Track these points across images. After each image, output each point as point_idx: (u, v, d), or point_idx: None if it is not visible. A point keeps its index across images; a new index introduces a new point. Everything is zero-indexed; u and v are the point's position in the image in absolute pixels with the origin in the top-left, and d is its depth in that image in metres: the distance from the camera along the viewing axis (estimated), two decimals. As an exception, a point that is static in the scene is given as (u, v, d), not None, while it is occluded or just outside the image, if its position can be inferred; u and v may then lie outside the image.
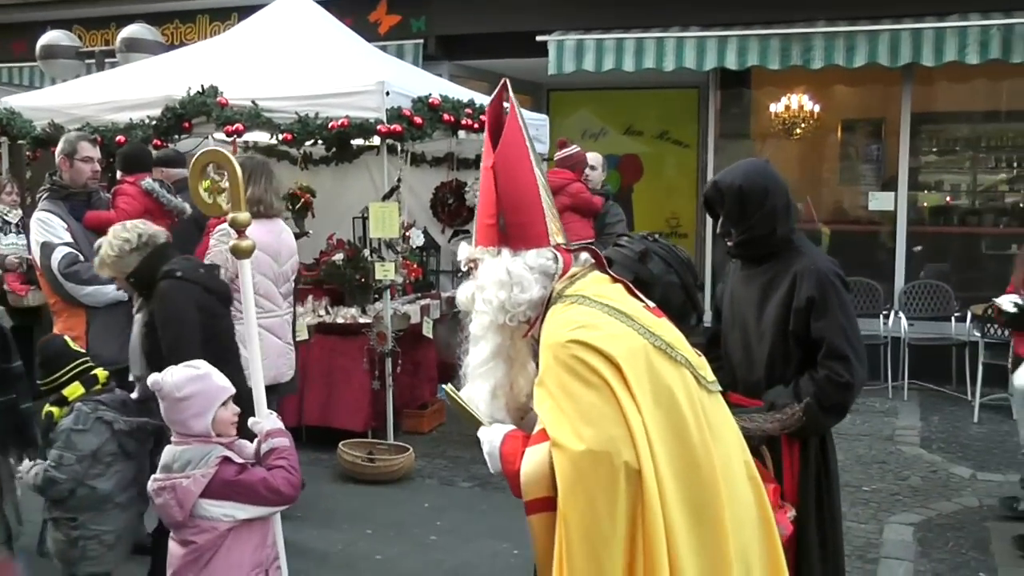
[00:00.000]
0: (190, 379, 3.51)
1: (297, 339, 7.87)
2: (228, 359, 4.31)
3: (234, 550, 3.48)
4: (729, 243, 3.97)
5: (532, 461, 2.67)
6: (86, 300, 5.78)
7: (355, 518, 6.59)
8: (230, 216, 3.79)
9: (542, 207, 2.91)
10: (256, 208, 5.65)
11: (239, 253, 3.80)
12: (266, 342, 5.80)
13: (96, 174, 6.07)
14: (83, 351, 4.56)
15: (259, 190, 5.94)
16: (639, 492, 2.53)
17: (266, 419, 3.73)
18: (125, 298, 5.67)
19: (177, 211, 6.21)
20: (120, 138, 8.16)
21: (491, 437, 2.87)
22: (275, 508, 3.60)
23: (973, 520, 6.58)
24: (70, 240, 5.81)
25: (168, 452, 3.52)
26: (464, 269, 3.03)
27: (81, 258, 5.74)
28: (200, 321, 4.47)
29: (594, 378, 2.59)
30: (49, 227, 5.80)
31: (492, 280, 2.86)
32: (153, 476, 3.54)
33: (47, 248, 5.75)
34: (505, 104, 2.99)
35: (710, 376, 2.81)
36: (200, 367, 3.60)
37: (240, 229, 3.77)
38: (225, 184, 3.83)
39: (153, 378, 3.54)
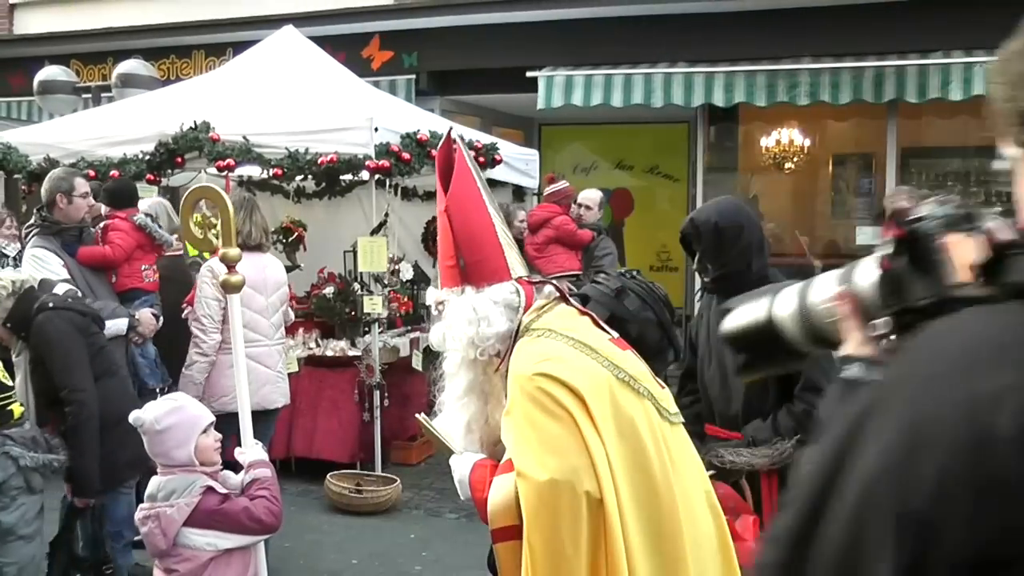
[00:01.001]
0: (168, 411, 3.59)
1: (287, 371, 7.98)
2: (112, 374, 4.48)
3: (216, 578, 3.55)
4: (706, 279, 4.06)
5: (499, 490, 2.75)
6: None
7: (342, 549, 6.64)
8: (221, 251, 3.85)
9: (499, 243, 3.01)
10: (240, 242, 5.68)
11: (229, 288, 3.86)
12: (252, 371, 5.75)
13: (92, 209, 6.16)
14: (10, 384, 4.61)
15: (240, 223, 5.99)
16: (601, 520, 2.60)
17: (250, 449, 3.81)
18: (124, 333, 5.81)
19: (166, 244, 6.37)
20: (114, 172, 8.28)
21: (461, 465, 2.96)
22: (257, 537, 3.67)
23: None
24: (67, 276, 5.80)
25: (153, 483, 3.60)
26: (435, 312, 3.13)
27: (79, 294, 5.74)
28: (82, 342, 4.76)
29: (558, 409, 2.67)
30: (45, 264, 5.81)
31: (459, 318, 2.95)
32: (140, 506, 3.61)
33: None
34: (460, 149, 3.09)
35: (672, 408, 2.89)
36: (177, 399, 3.69)
37: (231, 264, 3.84)
38: (216, 220, 3.92)
39: (134, 415, 3.61)
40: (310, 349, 8.39)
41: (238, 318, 3.95)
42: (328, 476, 7.52)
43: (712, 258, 3.94)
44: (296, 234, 9.60)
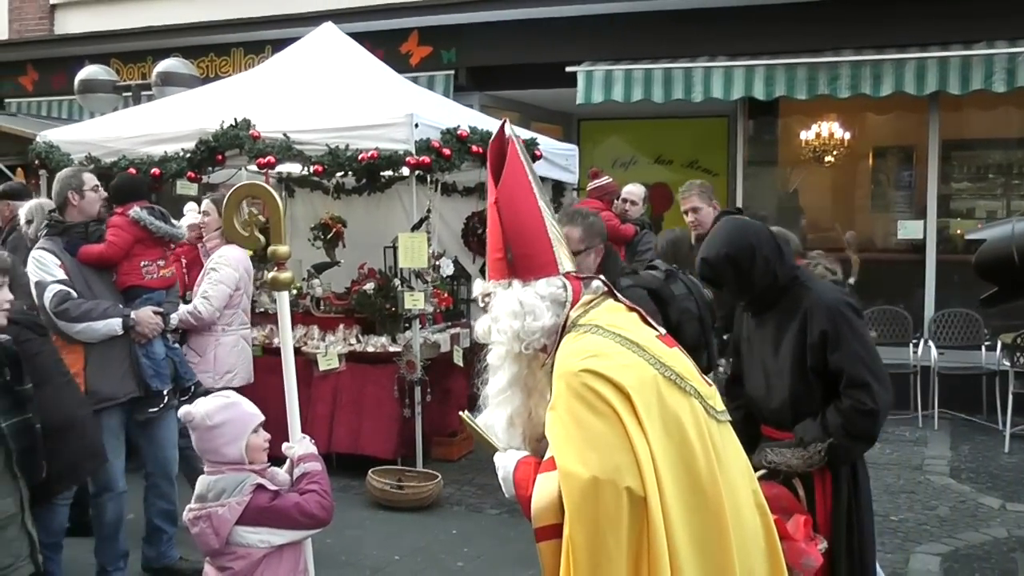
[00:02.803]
0: (220, 408, 3.60)
1: (329, 368, 8.04)
2: (45, 383, 4.34)
3: (267, 575, 3.56)
4: (740, 303, 4.09)
5: (542, 489, 2.74)
6: (79, 337, 5.70)
7: (384, 544, 6.67)
8: (270, 249, 3.84)
9: (548, 237, 2.99)
10: (176, 243, 6.41)
11: (279, 285, 3.84)
12: (244, 351, 7.21)
13: (104, 201, 6.05)
14: None
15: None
16: (644, 518, 2.59)
17: (299, 444, 3.81)
18: (119, 333, 5.71)
19: (168, 237, 6.17)
20: (155, 170, 8.35)
21: (505, 463, 2.96)
22: (310, 532, 3.68)
23: (1001, 551, 6.56)
24: (63, 277, 5.71)
25: (202, 482, 3.60)
26: (481, 304, 3.12)
27: (73, 294, 5.67)
28: None
29: (603, 406, 2.66)
30: (43, 265, 5.74)
31: (505, 311, 2.95)
32: (188, 506, 3.62)
33: (40, 287, 5.69)
34: (509, 138, 3.06)
35: (719, 406, 2.87)
36: (230, 396, 3.69)
37: (280, 262, 3.84)
38: (263, 217, 3.91)
39: (184, 410, 3.63)
40: (351, 345, 8.41)
41: (287, 315, 3.94)
42: (370, 472, 7.55)
43: (738, 289, 3.96)
44: (335, 230, 9.61)
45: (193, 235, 7.72)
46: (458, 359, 8.61)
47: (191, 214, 8.20)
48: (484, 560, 6.36)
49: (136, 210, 5.97)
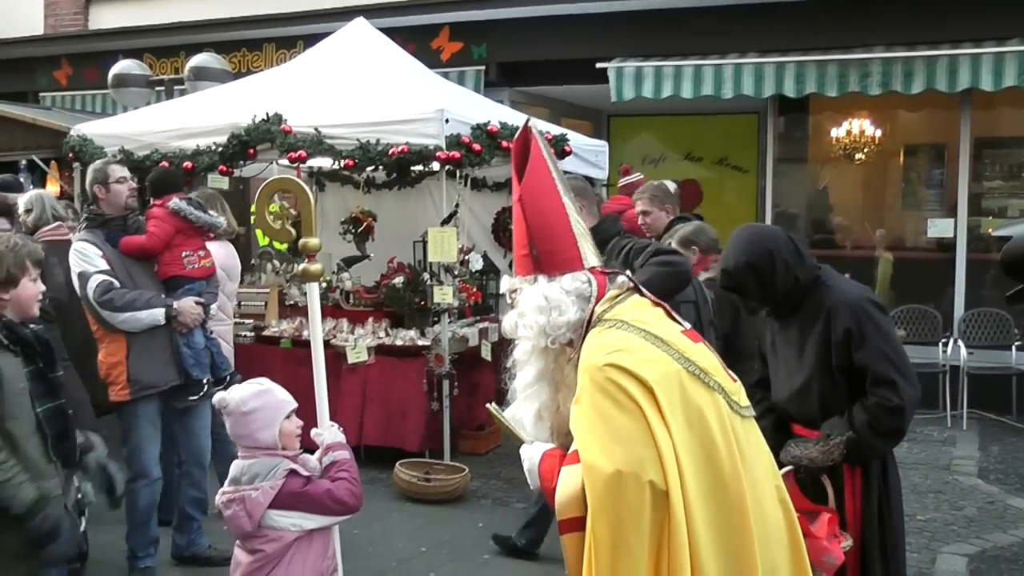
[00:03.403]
0: (254, 394, 3.67)
1: (358, 360, 8.10)
2: None
3: (297, 559, 3.62)
4: (766, 310, 4.11)
5: (566, 482, 2.78)
6: (122, 327, 5.79)
7: (410, 536, 6.73)
8: (301, 241, 3.90)
9: (572, 233, 3.02)
10: (215, 232, 6.43)
11: (309, 276, 3.91)
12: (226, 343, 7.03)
13: (133, 192, 6.05)
14: None
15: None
16: (665, 512, 2.62)
17: (327, 431, 3.87)
18: (162, 322, 5.79)
19: (208, 227, 6.24)
20: (187, 164, 8.43)
21: (531, 455, 3.00)
22: (340, 518, 3.74)
23: (1029, 552, 6.54)
24: (106, 268, 5.79)
25: (236, 466, 3.67)
26: (508, 301, 3.16)
27: (116, 285, 5.75)
28: None
29: (627, 401, 2.69)
30: (85, 256, 5.81)
31: (531, 306, 2.98)
32: (221, 489, 3.69)
33: (83, 278, 5.77)
34: (536, 139, 3.08)
35: (744, 401, 2.89)
36: (263, 383, 3.75)
37: (311, 254, 3.89)
38: (293, 210, 3.96)
39: (219, 396, 3.69)
40: (380, 338, 8.47)
41: (317, 307, 4.00)
42: (397, 464, 7.60)
43: (761, 296, 3.98)
44: (365, 224, 9.68)
45: None
46: (486, 353, 8.65)
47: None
48: (510, 554, 6.39)
49: (176, 201, 6.05)
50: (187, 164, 8.45)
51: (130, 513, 5.86)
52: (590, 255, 3.05)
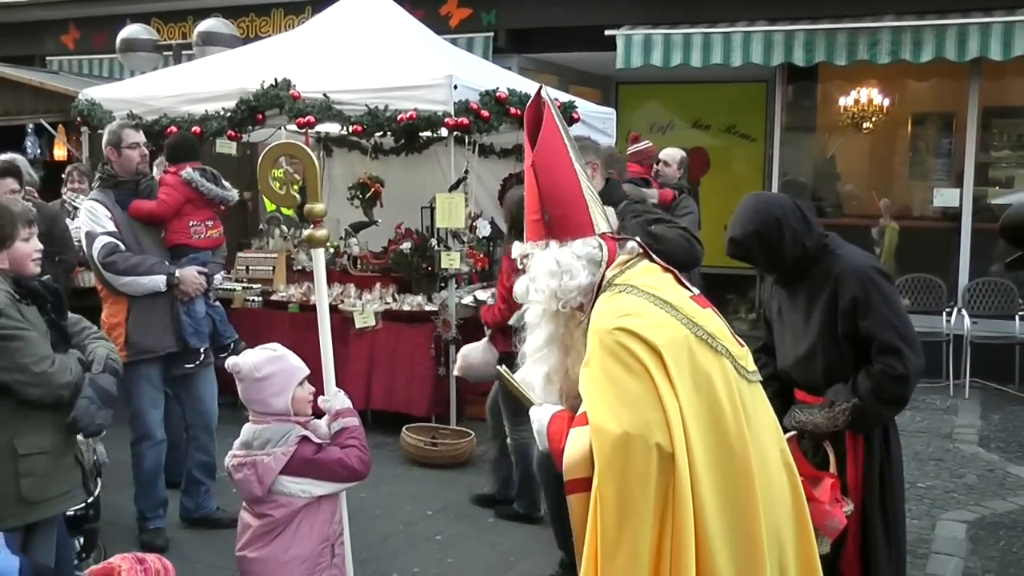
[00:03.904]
0: (268, 360, 3.71)
1: (365, 326, 8.15)
2: None
3: (304, 524, 3.68)
4: (773, 277, 4.13)
5: (574, 443, 2.84)
6: (124, 289, 5.86)
7: (416, 500, 6.80)
8: (307, 207, 3.93)
9: (584, 199, 3.07)
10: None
11: (315, 242, 3.94)
12: None
13: (144, 158, 6.07)
14: None
15: None
16: (671, 473, 2.68)
17: (335, 398, 3.92)
18: (163, 289, 5.83)
19: (219, 199, 6.21)
20: (196, 128, 8.46)
21: (540, 416, 3.06)
22: (348, 484, 3.81)
23: (1027, 519, 6.61)
24: (112, 229, 5.83)
25: (247, 430, 3.72)
26: (519, 266, 3.20)
27: (121, 247, 5.80)
28: None
29: (635, 364, 2.74)
30: (94, 216, 5.86)
31: (543, 271, 3.03)
32: (231, 452, 3.74)
33: (89, 237, 5.84)
34: (545, 102, 3.12)
35: (751, 366, 2.94)
36: (276, 349, 3.79)
37: (316, 219, 3.93)
38: (298, 175, 3.99)
39: (231, 361, 3.74)
40: (387, 304, 8.51)
41: (322, 272, 4.04)
42: (404, 429, 7.66)
43: (769, 264, 4.00)
44: (373, 190, 9.70)
45: None
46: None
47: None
48: (516, 517, 6.47)
49: (188, 171, 6.07)
50: (196, 129, 8.46)
51: (136, 475, 5.94)
52: (601, 221, 3.10)
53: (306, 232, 4.00)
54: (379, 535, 6.12)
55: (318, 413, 3.93)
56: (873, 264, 3.90)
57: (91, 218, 5.86)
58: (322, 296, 4.03)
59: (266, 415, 3.73)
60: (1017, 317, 10.28)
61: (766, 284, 4.36)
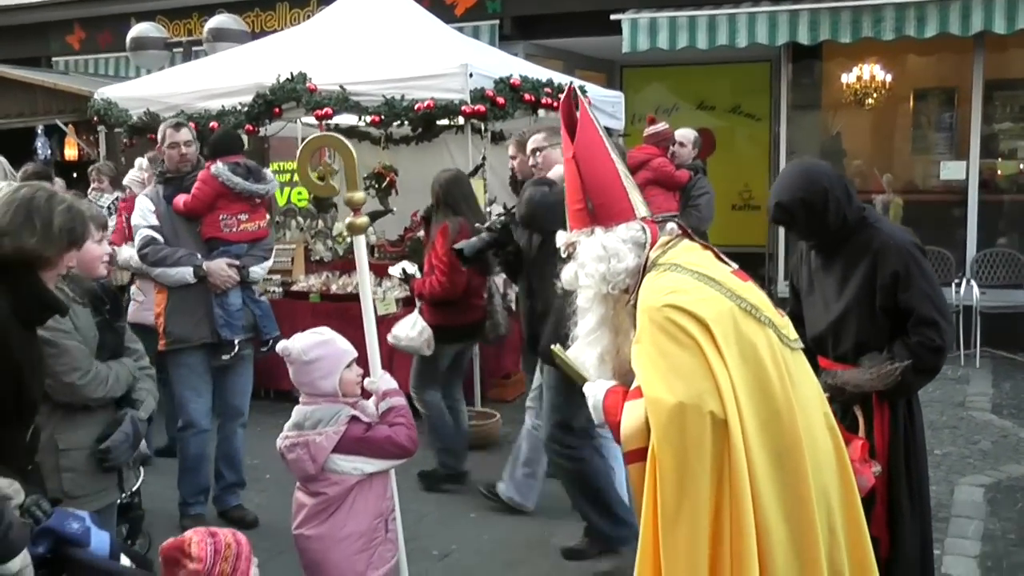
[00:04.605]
0: (316, 344, 3.85)
1: (387, 312, 8.28)
2: None
3: (359, 500, 3.84)
4: (810, 243, 4.18)
5: (630, 415, 3.00)
6: (158, 280, 6.08)
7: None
8: (346, 196, 4.05)
9: (623, 185, 3.24)
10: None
11: (355, 230, 4.07)
12: None
13: (184, 158, 6.16)
14: None
15: None
16: (725, 439, 2.83)
17: (381, 379, 4.06)
18: (190, 281, 5.95)
19: (247, 194, 6.19)
20: (213, 124, 8.58)
21: (595, 392, 3.22)
22: (398, 461, 3.96)
23: (1043, 482, 6.75)
24: (154, 223, 6.02)
25: (299, 411, 3.87)
26: (563, 254, 3.35)
27: (159, 240, 5.98)
28: None
29: (685, 338, 2.89)
30: (140, 211, 6.09)
31: (591, 256, 3.19)
32: (283, 433, 3.89)
33: (134, 230, 6.10)
34: (577, 108, 3.29)
35: (792, 335, 3.09)
36: (324, 333, 3.93)
37: (355, 208, 4.05)
38: (337, 166, 4.12)
39: (282, 344, 3.89)
40: (407, 291, 8.62)
41: (364, 257, 4.17)
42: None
43: (810, 231, 4.07)
44: (388, 179, 9.83)
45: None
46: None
47: (136, 170, 8.14)
48: (543, 496, 6.60)
49: (217, 166, 6.12)
50: (213, 124, 8.60)
51: (180, 461, 6.09)
52: (640, 205, 3.26)
53: (347, 220, 4.12)
54: (414, 515, 6.23)
55: (365, 395, 4.08)
56: (913, 240, 3.98)
57: (138, 212, 6.09)
58: (365, 281, 4.16)
59: (316, 396, 3.87)
60: (1025, 286, 10.41)
61: (795, 253, 4.44)
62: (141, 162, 7.70)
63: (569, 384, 5.18)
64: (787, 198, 3.97)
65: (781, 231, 11.78)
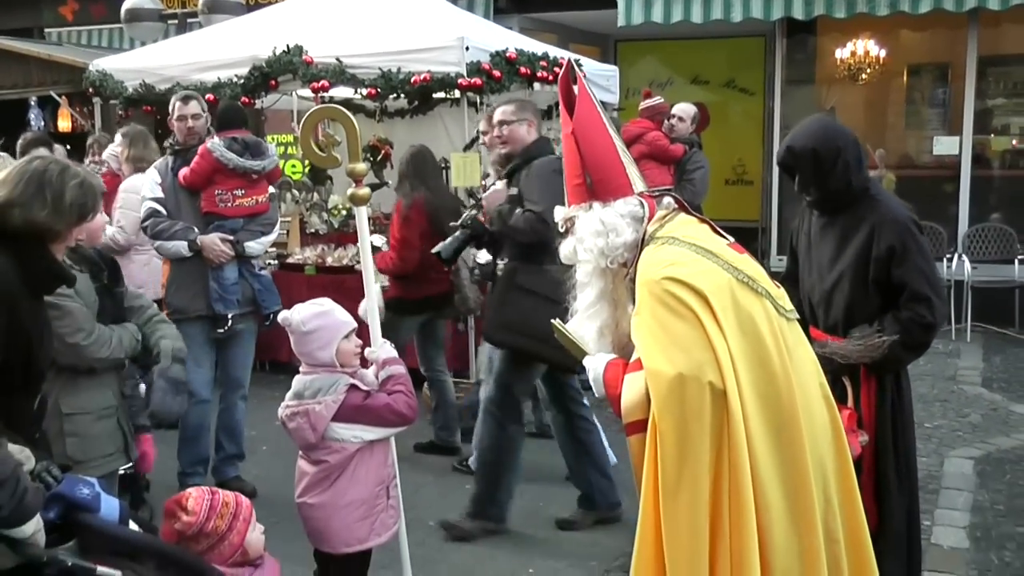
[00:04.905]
0: (314, 315, 3.90)
1: (385, 284, 8.31)
2: None
3: (360, 468, 3.89)
4: (808, 199, 4.18)
5: (631, 388, 3.05)
6: (159, 252, 6.24)
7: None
8: (348, 167, 4.08)
9: (621, 161, 3.29)
10: (139, 165, 6.86)
11: (357, 200, 4.10)
12: (157, 266, 6.95)
13: (191, 131, 6.19)
14: None
15: (139, 151, 7.06)
16: (724, 410, 2.88)
17: (381, 348, 4.11)
18: (185, 254, 6.01)
19: (243, 170, 6.13)
20: (209, 96, 8.56)
21: (595, 365, 3.27)
22: (397, 429, 4.01)
23: (1031, 455, 6.84)
24: (159, 195, 6.08)
25: (299, 381, 3.92)
26: (561, 229, 3.40)
27: (162, 212, 6.04)
28: None
29: (684, 310, 2.94)
30: (148, 182, 6.17)
31: (589, 231, 3.24)
32: (284, 403, 3.94)
33: (142, 202, 6.18)
34: (575, 83, 3.33)
35: (788, 305, 3.15)
36: (324, 304, 3.98)
37: (358, 179, 4.08)
38: (339, 138, 4.16)
39: (282, 315, 3.94)
40: (403, 263, 8.65)
41: (365, 228, 4.19)
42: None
43: (813, 183, 4.07)
44: (383, 152, 9.84)
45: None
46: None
47: (115, 144, 8.02)
48: (535, 462, 6.65)
49: (214, 141, 6.12)
50: (209, 96, 8.57)
51: (180, 430, 6.13)
52: (638, 180, 3.31)
53: (349, 191, 4.15)
54: (411, 485, 6.27)
55: (365, 364, 4.13)
56: (912, 216, 4.01)
57: (146, 184, 6.19)
58: (366, 252, 4.18)
59: (315, 366, 3.92)
60: (1016, 261, 10.49)
61: (798, 214, 4.44)
62: (118, 137, 7.72)
63: (520, 357, 5.41)
64: (800, 144, 4.01)
65: (775, 206, 11.85)
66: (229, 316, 6.12)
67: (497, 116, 5.70)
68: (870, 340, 3.92)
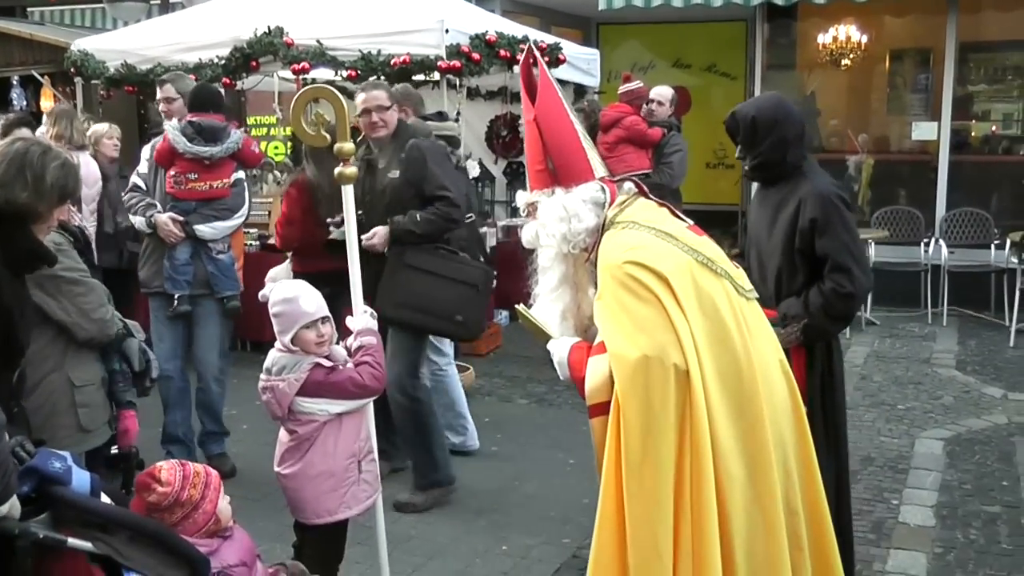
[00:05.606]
0: (280, 300, 3.94)
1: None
2: None
3: (329, 441, 3.95)
4: (745, 167, 4.40)
5: (594, 370, 3.12)
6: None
7: (421, 431, 7.06)
8: (336, 146, 4.15)
9: (583, 147, 3.36)
10: (63, 143, 7.02)
11: (344, 179, 4.18)
12: None
13: (168, 113, 6.38)
14: None
15: (61, 129, 7.45)
16: (687, 390, 2.96)
17: (359, 317, 4.19)
18: (146, 230, 6.14)
19: (190, 155, 6.11)
20: (192, 76, 8.58)
21: (559, 348, 3.34)
22: (364, 400, 4.06)
23: (1001, 436, 6.94)
24: (143, 171, 6.28)
25: (270, 356, 3.98)
26: (523, 213, 3.48)
27: (141, 187, 6.24)
28: None
29: (646, 293, 3.02)
30: (141, 159, 6.37)
31: (552, 217, 3.32)
32: (261, 375, 4.00)
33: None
34: (535, 66, 3.40)
35: (747, 285, 3.23)
36: (295, 290, 3.99)
37: (345, 158, 4.15)
38: (329, 117, 4.23)
39: (263, 291, 4.04)
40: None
41: (351, 206, 4.25)
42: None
43: (749, 148, 4.26)
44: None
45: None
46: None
47: (42, 127, 8.04)
48: (516, 443, 6.76)
49: (171, 124, 6.22)
50: (192, 77, 8.59)
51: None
52: (599, 166, 3.38)
53: (336, 170, 4.22)
54: (386, 466, 6.37)
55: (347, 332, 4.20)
56: (836, 191, 4.18)
57: (142, 160, 6.37)
58: (351, 228, 4.23)
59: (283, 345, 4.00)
60: (992, 246, 10.56)
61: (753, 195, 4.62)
62: (44, 117, 7.82)
63: (415, 333, 5.56)
64: (743, 111, 4.24)
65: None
66: (175, 296, 6.17)
67: (374, 102, 5.75)
68: (782, 331, 3.98)
